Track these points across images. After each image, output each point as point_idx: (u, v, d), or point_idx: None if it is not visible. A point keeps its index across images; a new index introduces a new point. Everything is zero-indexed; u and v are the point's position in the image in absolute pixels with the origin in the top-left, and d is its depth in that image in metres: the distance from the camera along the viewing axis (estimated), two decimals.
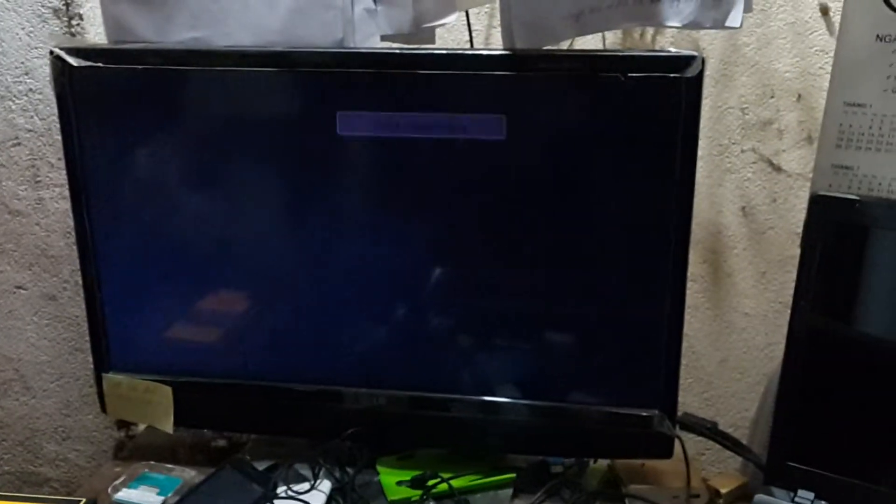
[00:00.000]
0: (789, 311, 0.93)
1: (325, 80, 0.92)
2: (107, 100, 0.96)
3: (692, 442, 1.01)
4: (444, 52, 0.91)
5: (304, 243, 0.99)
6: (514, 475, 1.00)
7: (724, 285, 1.20)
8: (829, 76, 1.06)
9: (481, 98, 0.89)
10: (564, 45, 0.94)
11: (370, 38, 0.94)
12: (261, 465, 1.02)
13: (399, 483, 0.99)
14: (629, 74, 0.85)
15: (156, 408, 1.02)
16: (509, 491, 0.99)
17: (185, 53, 0.93)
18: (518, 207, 0.94)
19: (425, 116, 0.90)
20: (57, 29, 1.09)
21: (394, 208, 0.96)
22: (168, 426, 1.03)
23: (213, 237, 1.00)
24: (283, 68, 0.91)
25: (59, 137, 0.97)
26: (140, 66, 0.93)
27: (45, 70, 1.05)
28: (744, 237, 1.18)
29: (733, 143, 1.15)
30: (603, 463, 1.04)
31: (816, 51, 1.10)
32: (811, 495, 0.90)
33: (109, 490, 1.00)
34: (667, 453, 0.96)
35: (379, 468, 1.01)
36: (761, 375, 1.21)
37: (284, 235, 1.00)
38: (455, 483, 0.97)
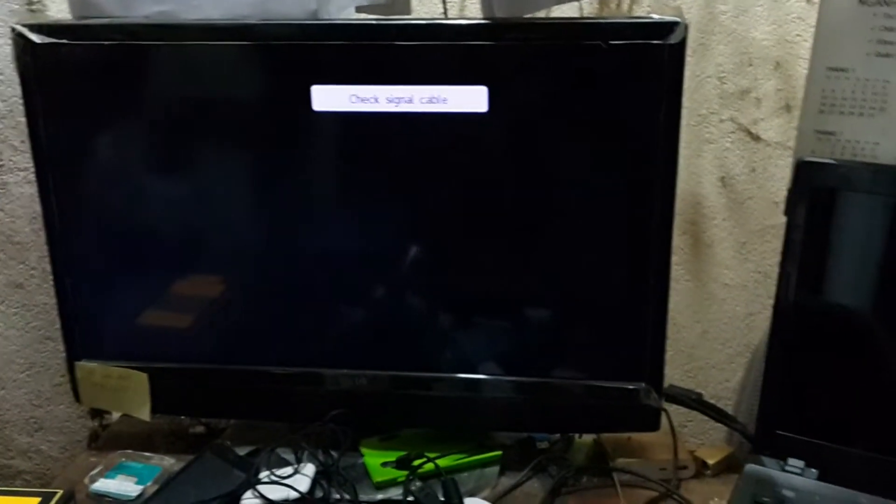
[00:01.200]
0: (770, 281, 0.93)
1: (298, 53, 0.89)
2: (72, 78, 0.92)
3: (677, 413, 1.01)
4: (422, 21, 0.89)
5: (279, 223, 0.97)
6: (500, 452, 0.99)
7: (704, 256, 1.20)
8: (806, 43, 1.06)
9: (461, 69, 0.87)
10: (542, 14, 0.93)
11: (345, 10, 0.92)
12: (242, 451, 1.00)
13: (384, 464, 0.97)
14: (611, 42, 0.83)
15: (131, 395, 0.99)
16: (496, 468, 0.98)
17: (152, 28, 0.90)
18: (499, 181, 0.92)
19: (404, 89, 0.87)
20: (17, 6, 1.06)
21: (369, 185, 0.94)
22: (145, 414, 1.00)
23: (185, 219, 0.97)
24: (255, 41, 0.89)
25: (22, 119, 0.93)
26: (105, 42, 0.90)
27: (6, 50, 1.01)
28: (723, 207, 1.17)
29: (712, 113, 1.14)
30: (589, 437, 1.03)
31: (794, 18, 1.09)
32: (801, 463, 0.90)
33: (86, 480, 0.97)
34: (654, 426, 0.95)
35: (363, 450, 1.00)
36: (743, 346, 1.21)
37: (259, 216, 0.98)
38: (441, 462, 0.96)
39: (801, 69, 1.08)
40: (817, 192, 0.87)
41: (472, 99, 0.86)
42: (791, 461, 0.90)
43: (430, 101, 0.87)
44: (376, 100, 0.88)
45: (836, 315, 0.89)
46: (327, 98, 0.88)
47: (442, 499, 0.92)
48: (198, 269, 0.99)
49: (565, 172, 0.91)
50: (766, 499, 0.86)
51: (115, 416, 1.17)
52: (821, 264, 0.89)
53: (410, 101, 0.87)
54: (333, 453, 0.96)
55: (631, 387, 0.93)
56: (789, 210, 0.88)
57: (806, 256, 0.88)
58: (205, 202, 0.97)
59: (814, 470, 0.89)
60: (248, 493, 0.91)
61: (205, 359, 1.00)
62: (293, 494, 0.90)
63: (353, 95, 0.88)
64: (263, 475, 0.93)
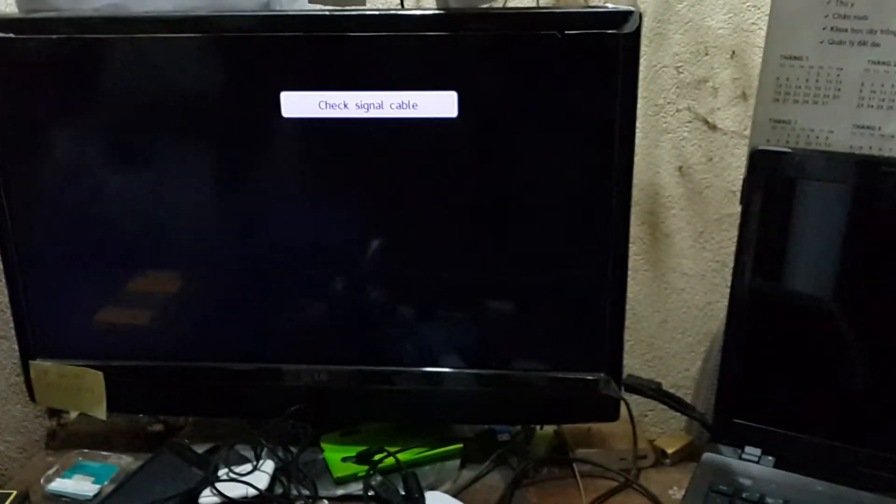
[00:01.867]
0: (727, 270, 0.93)
1: (251, 46, 0.88)
2: (21, 73, 0.90)
3: (636, 403, 1.01)
4: (376, 12, 0.89)
5: (238, 221, 0.96)
6: (460, 445, 0.99)
7: (662, 246, 1.20)
8: (762, 31, 1.06)
9: (417, 59, 0.87)
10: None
11: (297, 1, 0.91)
12: (200, 448, 0.99)
13: (344, 459, 0.96)
14: (566, 31, 0.83)
15: (87, 394, 0.98)
16: (457, 462, 0.98)
17: (102, 21, 0.88)
18: (460, 176, 0.92)
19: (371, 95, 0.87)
20: None
21: (326, 181, 0.93)
22: (101, 412, 0.99)
23: (141, 215, 0.96)
24: (206, 34, 0.88)
25: None
26: (54, 36, 0.88)
27: None
28: (681, 197, 1.18)
29: (669, 103, 1.14)
30: (550, 429, 1.03)
31: (749, 6, 1.09)
32: (758, 451, 0.91)
33: (42, 481, 0.96)
34: (613, 416, 0.95)
35: (323, 445, 0.99)
36: (702, 335, 1.22)
37: (217, 213, 0.97)
38: (401, 456, 0.96)
39: (757, 57, 1.08)
40: (772, 180, 0.87)
41: (441, 101, 0.86)
42: (748, 449, 0.91)
43: (400, 106, 0.87)
44: (345, 105, 0.87)
45: (792, 303, 0.90)
46: (295, 104, 0.88)
47: (403, 493, 0.91)
48: (154, 266, 0.98)
49: (524, 165, 0.91)
50: (722, 487, 0.87)
51: (74, 415, 1.15)
52: (776, 252, 0.89)
53: (380, 106, 0.87)
54: (293, 449, 0.96)
55: (590, 377, 0.93)
56: (744, 198, 0.89)
57: (761, 244, 0.89)
58: (161, 198, 0.95)
59: (770, 458, 0.90)
60: (207, 491, 0.90)
61: (162, 356, 0.99)
62: (252, 492, 0.90)
63: (323, 101, 0.88)
64: (222, 472, 0.93)
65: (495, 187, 0.91)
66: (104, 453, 1.01)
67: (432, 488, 0.93)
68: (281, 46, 0.87)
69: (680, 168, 1.17)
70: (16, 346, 1.01)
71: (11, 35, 0.88)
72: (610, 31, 0.83)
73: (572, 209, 0.91)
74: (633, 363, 1.22)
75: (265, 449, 0.95)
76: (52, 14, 0.89)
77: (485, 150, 0.90)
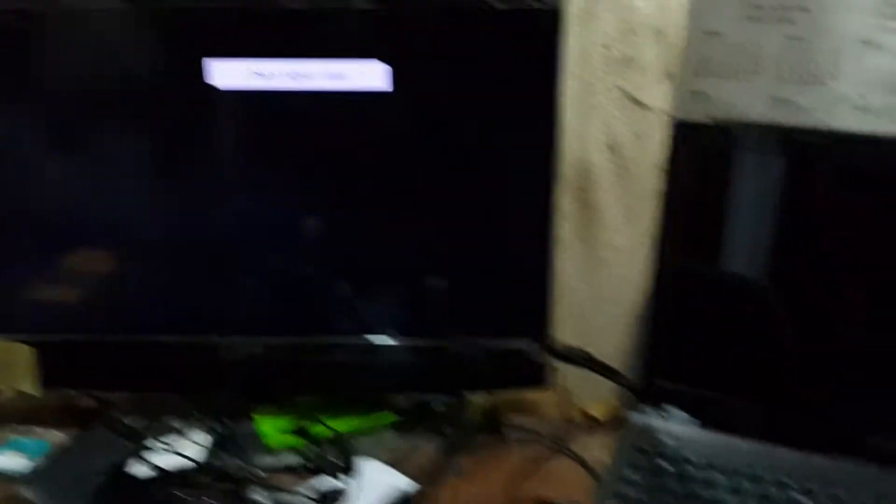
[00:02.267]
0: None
1: (177, 15, 0.88)
2: None
3: (569, 373, 1.03)
4: None
5: (170, 193, 0.96)
6: (394, 415, 1.00)
7: (594, 221, 1.22)
8: (685, 10, 1.09)
9: (346, 31, 0.88)
10: None
11: None
12: (133, 423, 0.99)
13: (279, 431, 0.97)
14: (493, 6, 0.85)
15: (16, 369, 0.97)
16: (391, 431, 0.99)
17: None
18: (389, 147, 0.93)
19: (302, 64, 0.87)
20: None
21: (257, 151, 0.94)
22: (32, 388, 0.98)
23: (69, 190, 0.95)
24: (132, 3, 0.87)
25: None
26: None
27: None
28: (611, 173, 1.20)
29: (598, 81, 1.16)
30: (485, 400, 1.05)
31: None
32: (683, 413, 0.93)
33: None
34: (542, 382, 0.97)
35: (257, 418, 0.99)
36: (632, 307, 1.24)
37: (147, 185, 0.96)
38: (335, 426, 0.97)
39: (681, 36, 1.11)
40: (693, 152, 0.90)
41: (370, 73, 0.87)
42: (672, 410, 0.94)
43: (331, 77, 0.87)
44: (276, 75, 0.88)
45: (709, 269, 0.93)
46: (226, 74, 0.88)
47: (338, 463, 0.92)
48: (86, 241, 0.97)
49: (455, 138, 0.92)
50: (647, 448, 0.89)
51: (5, 391, 1.14)
52: (699, 220, 0.92)
53: (310, 76, 0.88)
54: (227, 422, 0.96)
55: (519, 345, 0.95)
56: (667, 171, 0.91)
57: (684, 213, 0.91)
58: (91, 173, 0.95)
59: (695, 419, 0.93)
60: (139, 464, 0.90)
61: (94, 330, 0.98)
62: (186, 464, 0.90)
63: (252, 71, 0.88)
64: (155, 445, 0.92)
65: (427, 160, 0.93)
66: (36, 429, 1.00)
67: (368, 458, 0.94)
68: (209, 14, 0.87)
69: (610, 146, 1.19)
70: None
71: None
72: (536, 6, 0.84)
73: (501, 182, 0.93)
74: (566, 336, 1.24)
75: (199, 422, 0.96)
76: None
77: (416, 124, 0.91)
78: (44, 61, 0.90)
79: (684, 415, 0.93)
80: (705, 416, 0.93)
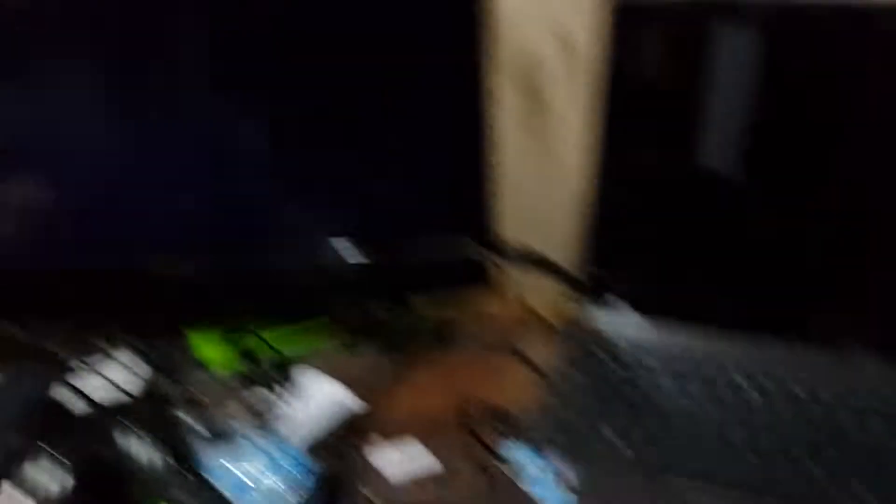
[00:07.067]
0: None
1: None
2: None
3: (516, 274, 1.00)
4: None
5: (97, 108, 0.90)
6: (327, 319, 0.96)
7: (544, 115, 1.17)
8: None
9: None
10: None
11: None
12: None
13: (215, 348, 0.94)
14: None
15: None
16: (328, 338, 0.96)
17: None
18: (315, 41, 0.87)
19: None
20: None
21: (187, 60, 0.88)
22: None
23: None
24: None
25: None
26: None
27: None
28: (558, 61, 1.14)
29: None
30: (432, 309, 1.01)
31: None
32: (627, 304, 0.90)
33: None
34: (481, 279, 0.94)
35: (191, 334, 0.96)
36: (580, 200, 1.20)
37: (74, 102, 0.90)
38: (273, 338, 0.93)
39: None
40: (632, 33, 0.85)
41: None
42: (617, 303, 0.91)
43: None
44: None
45: (653, 155, 0.89)
46: None
47: (277, 378, 0.89)
48: (12, 166, 0.92)
49: (386, 21, 0.86)
50: (591, 345, 0.87)
51: None
52: (637, 98, 0.87)
53: None
54: (159, 343, 0.92)
55: (457, 242, 0.91)
56: (609, 57, 0.86)
57: (622, 93, 0.86)
58: (13, 91, 0.89)
59: (638, 311, 0.90)
60: (70, 393, 0.87)
61: (20, 262, 0.94)
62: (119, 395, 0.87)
63: None
64: (85, 372, 0.89)
65: (353, 54, 0.87)
66: None
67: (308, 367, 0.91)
68: None
69: (557, 34, 1.13)
70: None
71: None
72: None
73: (430, 69, 0.87)
74: (511, 230, 1.20)
75: (129, 345, 0.92)
76: None
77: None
78: None
79: (628, 307, 0.90)
80: (649, 307, 0.90)
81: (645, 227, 0.90)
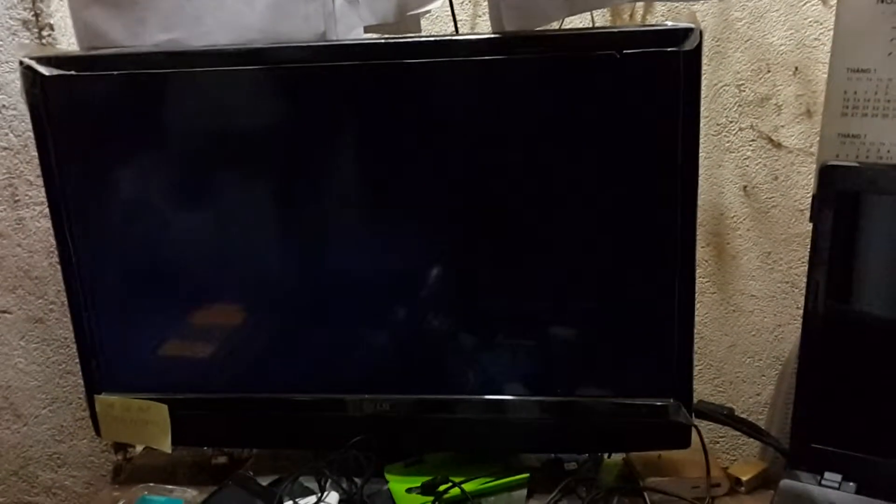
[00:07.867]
0: (797, 291, 0.90)
1: (309, 76, 0.88)
2: (82, 110, 0.92)
3: (708, 430, 0.99)
4: (433, 39, 0.88)
5: (296, 251, 0.96)
6: (527, 475, 0.96)
7: (729, 268, 1.17)
8: (825, 47, 1.05)
9: (475, 86, 0.86)
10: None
11: (353, 30, 0.91)
12: (264, 481, 0.98)
13: (409, 490, 0.95)
14: (625, 51, 0.82)
15: (152, 427, 0.98)
16: (523, 492, 0.96)
17: (162, 56, 0.89)
18: (521, 199, 0.90)
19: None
20: (27, 41, 1.05)
21: (387, 208, 0.93)
22: (166, 446, 0.99)
23: (202, 248, 0.97)
24: (264, 66, 0.88)
25: (36, 153, 0.93)
26: (114, 72, 0.89)
27: (17, 85, 1.00)
28: (747, 217, 1.15)
29: (731, 122, 1.12)
30: (618, 457, 1.01)
31: (811, 21, 1.07)
32: (839, 477, 0.87)
33: None
34: (684, 443, 0.92)
35: (387, 476, 0.98)
36: (772, 358, 1.18)
37: (276, 244, 0.97)
38: (467, 487, 0.94)
39: (821, 73, 1.06)
40: (843, 196, 0.85)
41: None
42: (828, 475, 0.87)
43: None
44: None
45: (868, 323, 0.87)
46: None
47: None
48: (216, 298, 0.98)
49: (587, 188, 0.89)
50: None
51: (139, 449, 1.16)
52: (849, 271, 0.86)
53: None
54: (357, 480, 0.94)
55: (659, 403, 0.90)
56: (814, 216, 0.86)
57: (833, 263, 0.86)
58: (222, 231, 0.96)
59: (852, 483, 0.87)
60: None
61: (225, 388, 0.99)
62: None
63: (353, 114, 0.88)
64: None
65: (559, 211, 0.90)
66: (169, 487, 1.01)
67: None
68: (339, 76, 0.87)
69: (745, 188, 1.14)
70: (81, 381, 1.01)
71: (73, 72, 0.90)
72: (670, 49, 0.81)
73: (637, 233, 0.89)
74: (703, 388, 1.19)
75: (329, 480, 0.94)
76: (112, 50, 0.91)
77: (548, 173, 0.89)
78: (181, 122, 0.92)
79: (839, 478, 0.87)
80: (862, 479, 0.86)
81: (857, 391, 0.88)
